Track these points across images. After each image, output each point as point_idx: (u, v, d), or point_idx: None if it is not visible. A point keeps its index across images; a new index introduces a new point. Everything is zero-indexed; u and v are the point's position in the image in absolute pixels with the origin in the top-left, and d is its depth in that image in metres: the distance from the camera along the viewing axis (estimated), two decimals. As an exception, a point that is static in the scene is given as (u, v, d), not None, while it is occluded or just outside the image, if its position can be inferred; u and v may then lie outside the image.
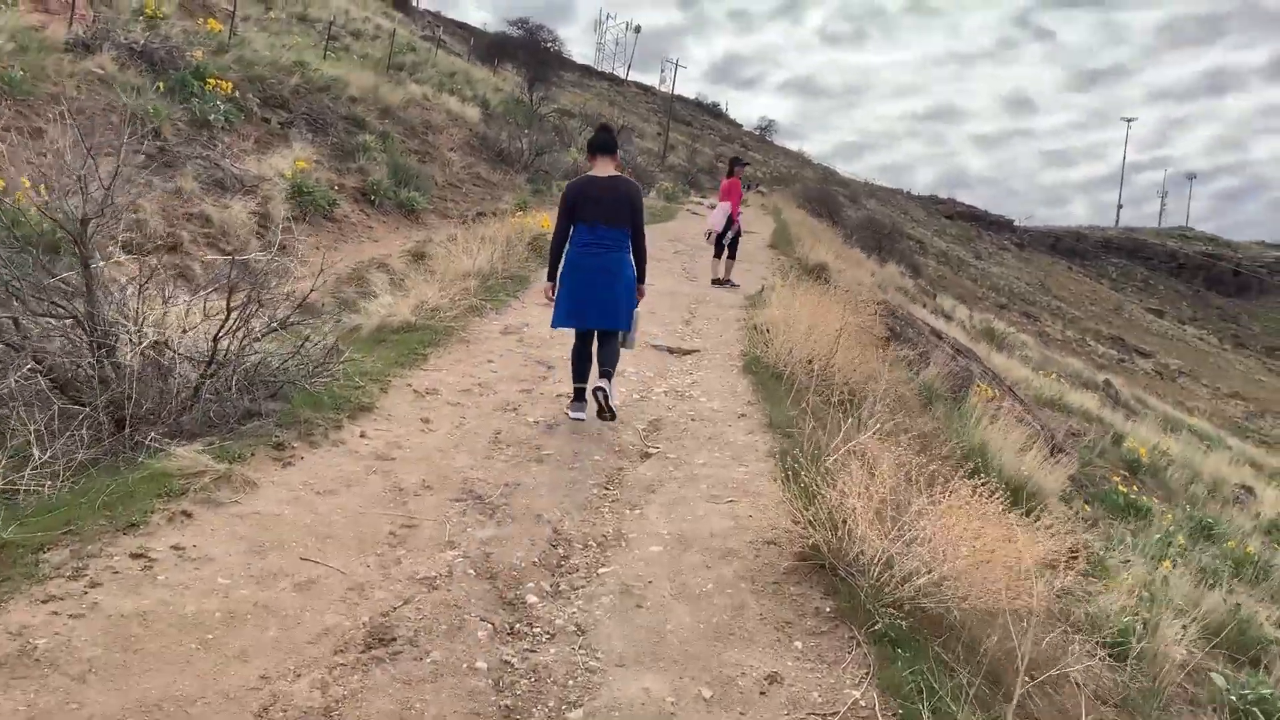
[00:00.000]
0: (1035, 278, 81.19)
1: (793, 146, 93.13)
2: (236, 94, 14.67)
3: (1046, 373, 24.75)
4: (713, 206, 15.63)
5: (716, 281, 12.79)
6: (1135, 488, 13.46)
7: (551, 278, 6.36)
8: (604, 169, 6.20)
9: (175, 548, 3.96)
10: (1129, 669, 5.49)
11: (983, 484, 4.58)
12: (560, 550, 4.58)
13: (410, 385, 6.57)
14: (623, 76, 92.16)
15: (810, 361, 7.94)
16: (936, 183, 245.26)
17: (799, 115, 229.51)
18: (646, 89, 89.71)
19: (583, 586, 4.24)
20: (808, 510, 4.46)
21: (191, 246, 10.20)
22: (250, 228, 11.07)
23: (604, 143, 6.27)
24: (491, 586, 4.14)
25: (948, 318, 27.88)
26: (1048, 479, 9.24)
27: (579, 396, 6.34)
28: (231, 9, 18.36)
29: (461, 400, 6.49)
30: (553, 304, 6.37)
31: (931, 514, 4.39)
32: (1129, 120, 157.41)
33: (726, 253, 13.05)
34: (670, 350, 8.55)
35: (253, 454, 4.90)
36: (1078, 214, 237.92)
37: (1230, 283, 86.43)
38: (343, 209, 13.84)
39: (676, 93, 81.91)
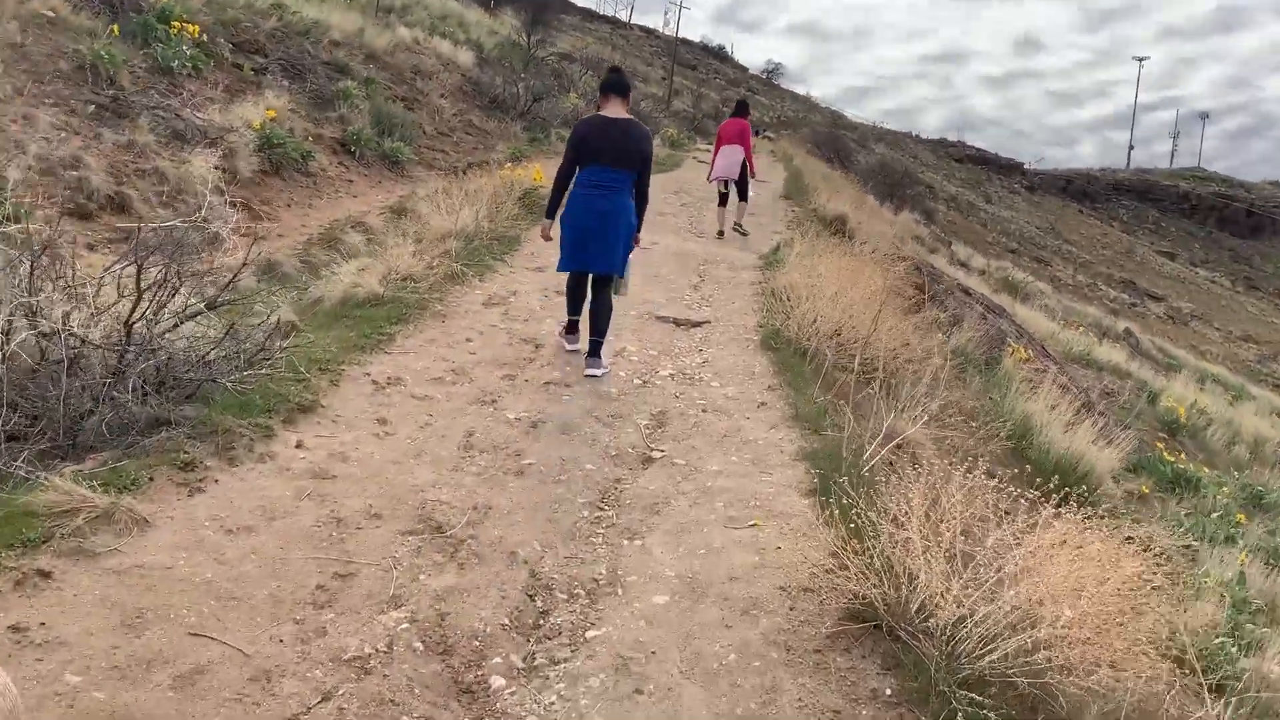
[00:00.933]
0: (1046, 222, 79.63)
1: (800, 90, 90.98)
2: (205, 38, 13.46)
3: (1070, 323, 23.65)
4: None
5: (722, 234, 11.90)
6: (1179, 455, 12.43)
7: (551, 215, 6.26)
8: (615, 110, 5.97)
9: (15, 629, 2.94)
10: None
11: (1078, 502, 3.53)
12: (538, 603, 3.56)
13: (369, 374, 5.51)
14: (625, 20, 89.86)
15: (837, 334, 6.87)
16: (945, 126, 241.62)
17: (806, 58, 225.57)
18: (650, 32, 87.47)
19: (565, 660, 3.23)
20: (856, 553, 3.42)
21: (142, 206, 9.10)
22: (212, 183, 9.95)
23: (616, 83, 6.09)
24: (444, 666, 3.13)
25: (965, 267, 26.70)
26: (1100, 458, 8.20)
27: (572, 329, 6.38)
28: (202, -54, 17.01)
29: (430, 392, 5.43)
30: (551, 242, 6.34)
31: (1016, 547, 3.37)
32: (1141, 59, 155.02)
33: (737, 195, 12.14)
34: (676, 322, 7.46)
35: (151, 478, 3.86)
36: (1087, 155, 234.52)
37: (1244, 224, 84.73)
38: (319, 161, 12.69)
39: (681, 36, 79.79)
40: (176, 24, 13.10)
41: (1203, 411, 15.43)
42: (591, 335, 6.04)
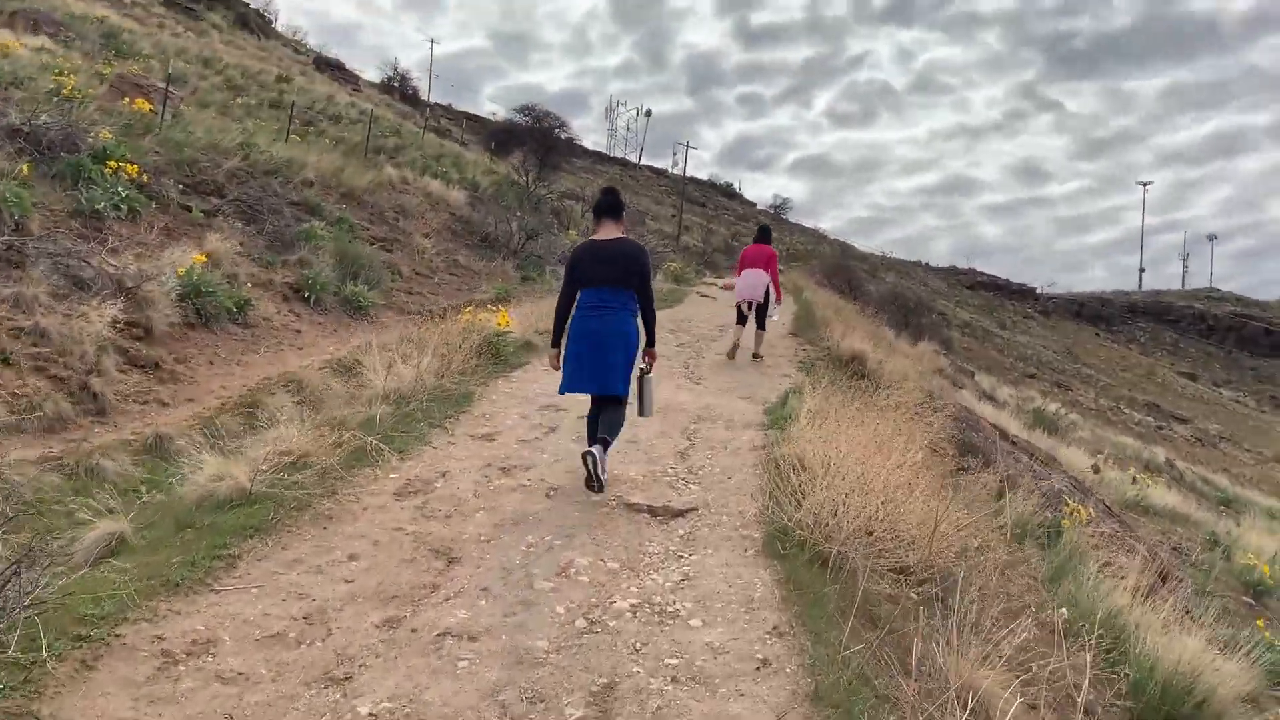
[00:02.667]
0: (1062, 345, 78.00)
1: (808, 224, 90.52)
2: (147, 179, 12.00)
3: (1108, 456, 21.55)
4: (728, 288, 13.52)
5: (733, 355, 11.38)
6: (1261, 621, 10.25)
7: (555, 344, 6.15)
8: (608, 232, 5.94)
9: None
10: None
11: None
12: None
13: (160, 638, 3.58)
14: (635, 160, 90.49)
15: (869, 532, 4.90)
16: (953, 253, 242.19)
17: (812, 193, 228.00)
18: (659, 172, 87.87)
19: None
20: None
21: (6, 373, 7.34)
22: (106, 343, 8.21)
23: (608, 205, 6.01)
24: None
25: (992, 400, 24.76)
26: (1222, 673, 6.09)
27: (586, 462, 5.70)
28: (165, 87, 15.83)
29: (250, 666, 3.49)
30: (557, 370, 6.16)
31: None
32: (1145, 184, 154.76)
33: (756, 323, 11.67)
34: (652, 511, 5.51)
35: None
36: (1097, 278, 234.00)
37: (1263, 343, 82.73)
38: (263, 309, 11.00)
39: (690, 175, 79.98)
40: (113, 164, 11.66)
41: (1283, 564, 13.19)
42: (601, 433, 5.81)
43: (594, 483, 5.60)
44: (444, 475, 5.91)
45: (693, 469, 6.41)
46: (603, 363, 5.78)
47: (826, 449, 5.88)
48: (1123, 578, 7.18)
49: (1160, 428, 59.98)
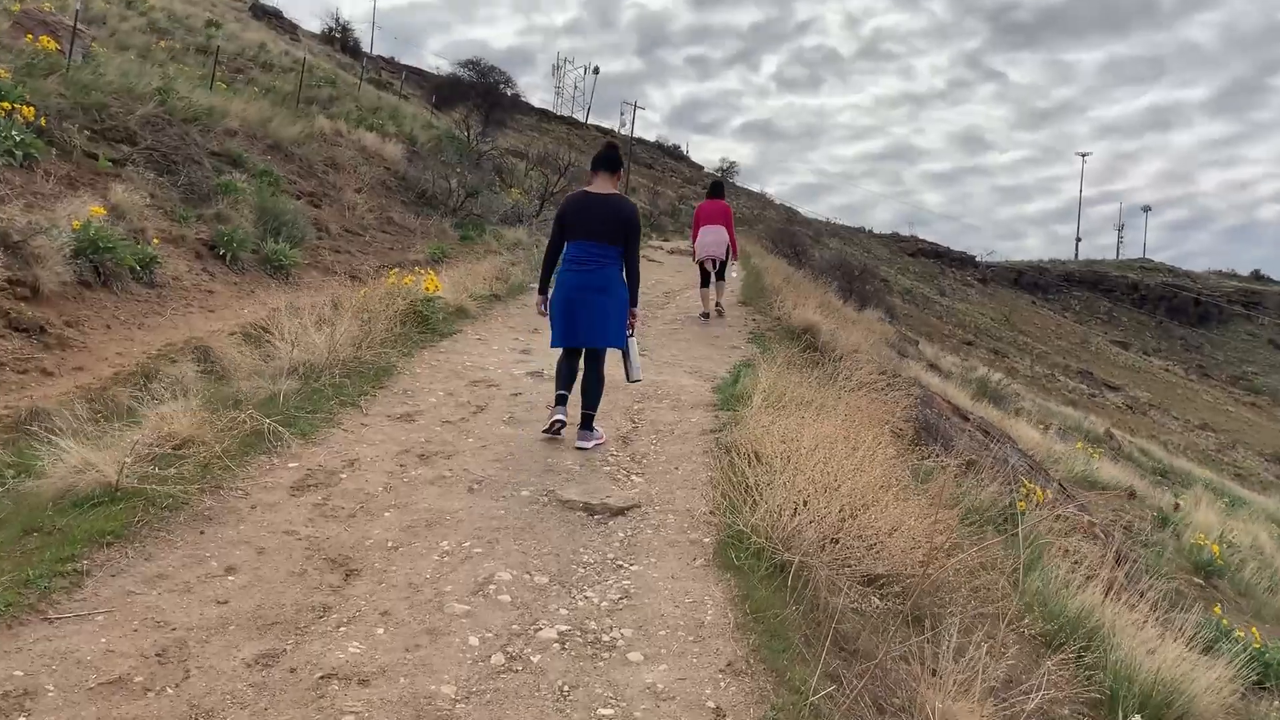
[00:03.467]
0: (1000, 313, 78.67)
1: (754, 188, 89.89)
2: (44, 123, 10.93)
3: (1050, 425, 21.35)
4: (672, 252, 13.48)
5: (708, 316, 11.65)
6: (1218, 608, 9.94)
7: (542, 291, 6.11)
8: (603, 185, 5.90)
9: None
10: None
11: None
12: None
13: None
14: (582, 120, 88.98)
15: (835, 540, 4.26)
16: (896, 220, 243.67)
17: (759, 158, 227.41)
18: (607, 132, 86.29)
19: None
20: None
21: None
22: (-18, 302, 7.29)
23: (607, 159, 5.99)
24: None
25: (937, 369, 24.42)
26: (1202, 682, 5.59)
27: (561, 401, 5.87)
28: (73, 24, 14.60)
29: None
30: (545, 319, 6.11)
31: None
32: (1084, 155, 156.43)
33: (715, 275, 11.82)
34: (589, 509, 4.82)
35: None
36: (1034, 247, 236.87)
37: (1192, 312, 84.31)
38: (172, 268, 10.06)
39: (637, 136, 78.77)
40: (6, 105, 10.58)
41: (1230, 543, 12.93)
42: (584, 409, 5.80)
43: (553, 431, 5.76)
44: (352, 464, 5.16)
45: (636, 456, 5.72)
46: (597, 317, 5.75)
47: (783, 431, 5.23)
48: (1090, 576, 6.68)
49: (1093, 395, 60.74)
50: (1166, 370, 76.70)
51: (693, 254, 12.39)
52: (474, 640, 3.44)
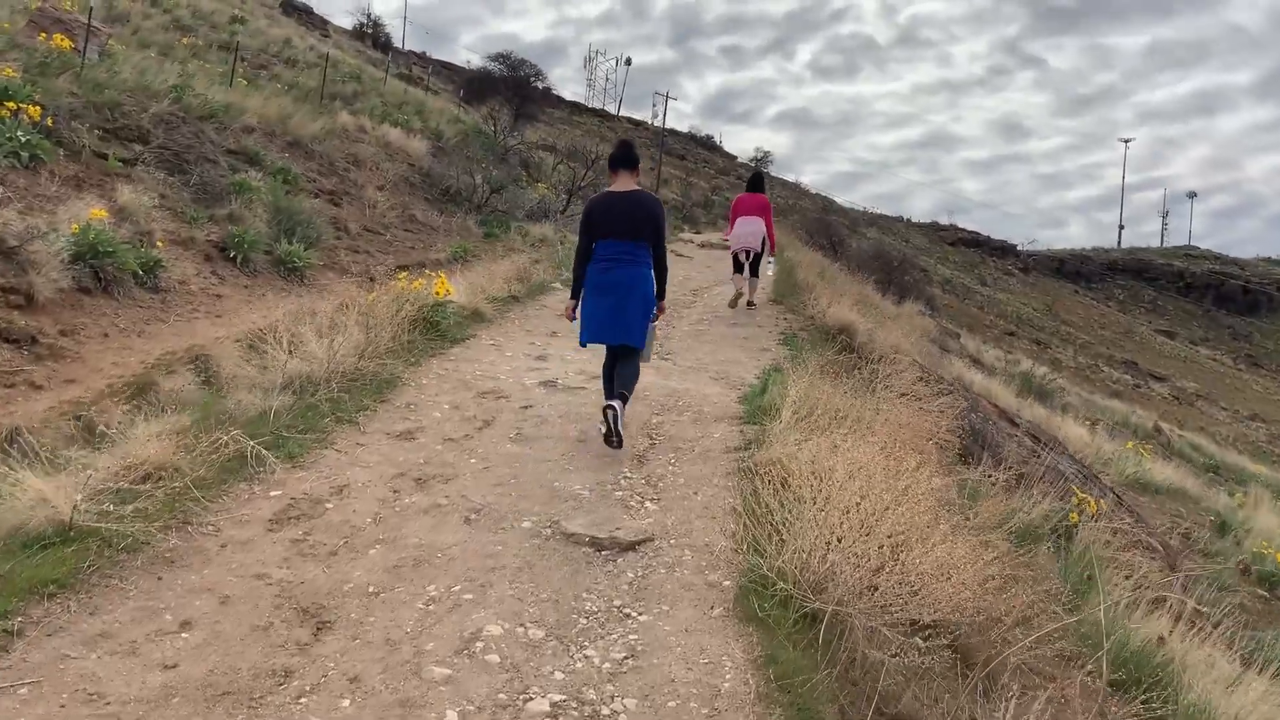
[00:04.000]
0: (1042, 303, 77.32)
1: (789, 178, 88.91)
2: (50, 122, 10.62)
3: (1097, 422, 20.61)
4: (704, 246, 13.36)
5: (735, 304, 11.54)
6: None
7: (575, 295, 6.02)
8: (624, 184, 5.92)
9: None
10: None
11: None
12: None
13: None
14: (614, 112, 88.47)
15: (874, 588, 3.75)
16: (934, 209, 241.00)
17: (794, 147, 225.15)
18: (638, 124, 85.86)
19: None
20: None
21: None
22: (-31, 313, 6.94)
23: (624, 157, 6.01)
24: None
25: (978, 363, 23.72)
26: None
27: (606, 415, 5.50)
28: (87, 21, 14.31)
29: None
30: (574, 321, 6.09)
31: None
32: (1126, 141, 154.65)
33: (750, 271, 11.65)
34: (595, 542, 4.34)
35: None
36: (1076, 235, 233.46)
37: (1240, 301, 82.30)
38: (179, 271, 9.70)
39: (670, 127, 78.17)
40: (12, 105, 10.28)
41: (1295, 550, 12.22)
42: (618, 389, 5.68)
43: (612, 438, 5.46)
44: (341, 491, 4.72)
45: (651, 479, 5.23)
46: (623, 315, 5.74)
47: (815, 461, 4.72)
48: (1155, 600, 6.12)
49: (1138, 386, 59.53)
50: (1214, 360, 75.00)
51: (728, 245, 12.16)
52: (452, 715, 2.98)
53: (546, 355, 8.20)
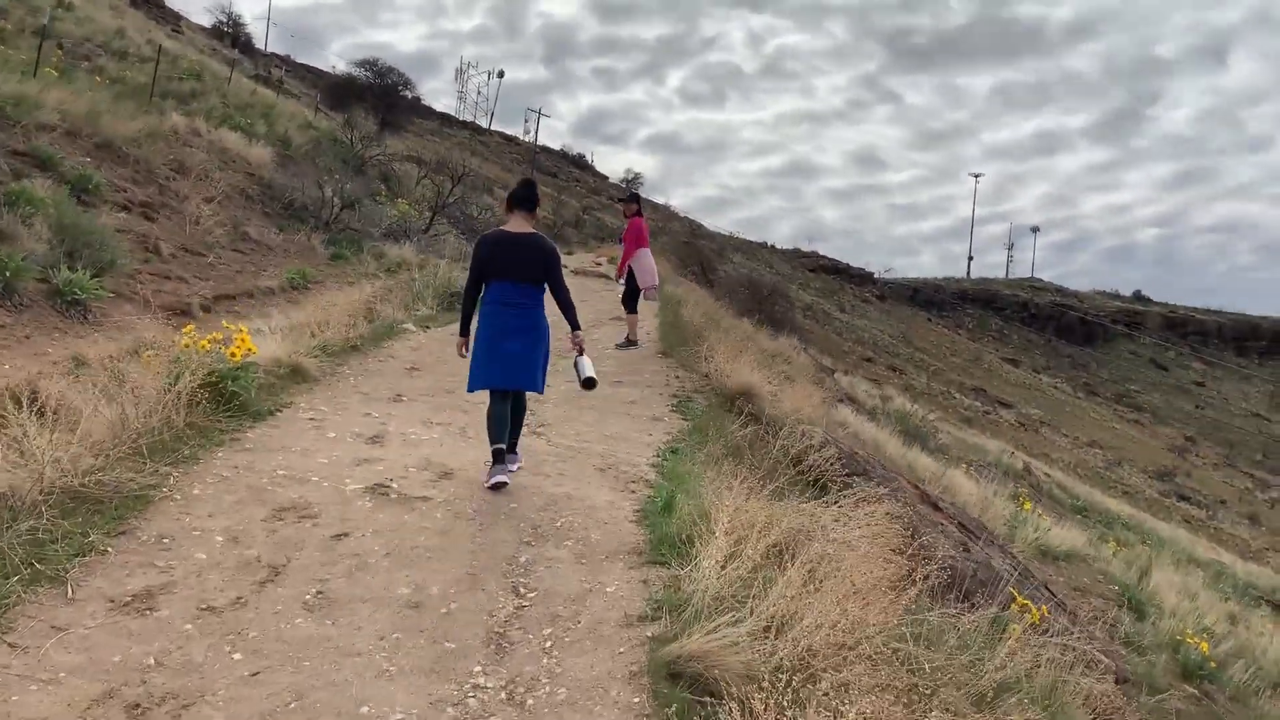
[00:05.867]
0: (898, 329, 78.47)
1: (659, 200, 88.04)
2: None
3: (969, 462, 19.73)
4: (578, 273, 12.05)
5: (628, 343, 10.60)
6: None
7: (464, 332, 5.69)
8: (519, 225, 5.65)
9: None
10: None
11: None
12: None
13: None
14: (485, 125, 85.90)
15: None
16: (795, 235, 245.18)
17: (664, 170, 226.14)
18: (510, 139, 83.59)
19: None
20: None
21: None
22: None
23: (523, 197, 5.76)
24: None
25: (852, 399, 22.60)
26: None
27: (498, 459, 5.39)
28: None
29: None
30: (466, 360, 5.70)
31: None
32: (977, 176, 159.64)
33: (626, 308, 10.85)
34: None
35: None
36: (928, 264, 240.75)
37: (1079, 331, 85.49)
38: (-99, 308, 7.31)
39: (542, 144, 76.20)
40: None
41: (1210, 631, 11.19)
42: (511, 436, 5.53)
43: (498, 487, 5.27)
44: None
45: (514, 693, 3.32)
46: (525, 360, 5.53)
47: (775, 658, 2.94)
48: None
49: (987, 412, 60.59)
50: (1055, 388, 77.36)
51: (619, 277, 11.05)
52: None
53: (384, 436, 6.20)
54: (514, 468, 5.54)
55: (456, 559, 4.28)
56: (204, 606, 3.66)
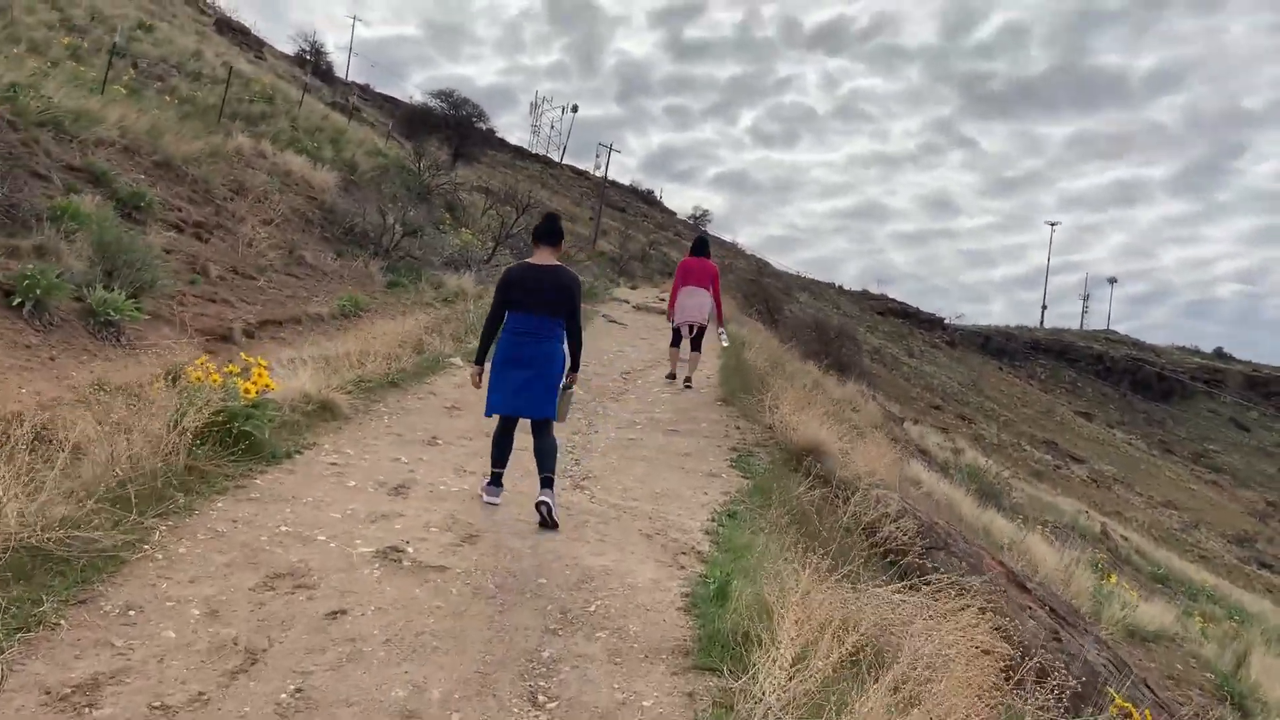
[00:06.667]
0: (968, 378, 76.54)
1: (726, 237, 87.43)
2: None
3: (1044, 523, 18.55)
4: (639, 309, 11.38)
5: (672, 376, 10.53)
6: None
7: (479, 361, 5.74)
8: (544, 258, 5.68)
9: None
10: None
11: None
12: None
13: None
14: (557, 159, 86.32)
15: None
16: (863, 276, 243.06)
17: (731, 208, 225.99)
18: (581, 173, 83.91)
19: None
20: None
21: None
22: None
23: (547, 230, 5.79)
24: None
25: (923, 452, 21.56)
26: None
27: (495, 481, 5.61)
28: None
29: None
30: (481, 388, 5.73)
31: None
32: (1053, 224, 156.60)
33: (690, 345, 10.54)
34: None
35: None
36: (998, 312, 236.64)
37: (1156, 387, 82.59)
38: (-79, 324, 6.91)
39: (612, 178, 76.11)
40: None
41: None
42: (542, 473, 5.37)
43: (549, 525, 5.23)
44: None
45: None
46: (538, 390, 5.47)
47: None
48: None
49: (1058, 466, 58.59)
50: (1130, 444, 74.72)
51: (669, 315, 10.86)
52: None
53: (409, 486, 5.57)
54: (553, 501, 5.34)
55: (468, 651, 3.60)
56: (156, 704, 3.02)
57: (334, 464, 5.71)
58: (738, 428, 8.53)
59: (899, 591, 4.87)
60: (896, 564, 6.78)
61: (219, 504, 4.65)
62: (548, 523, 5.22)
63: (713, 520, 5.82)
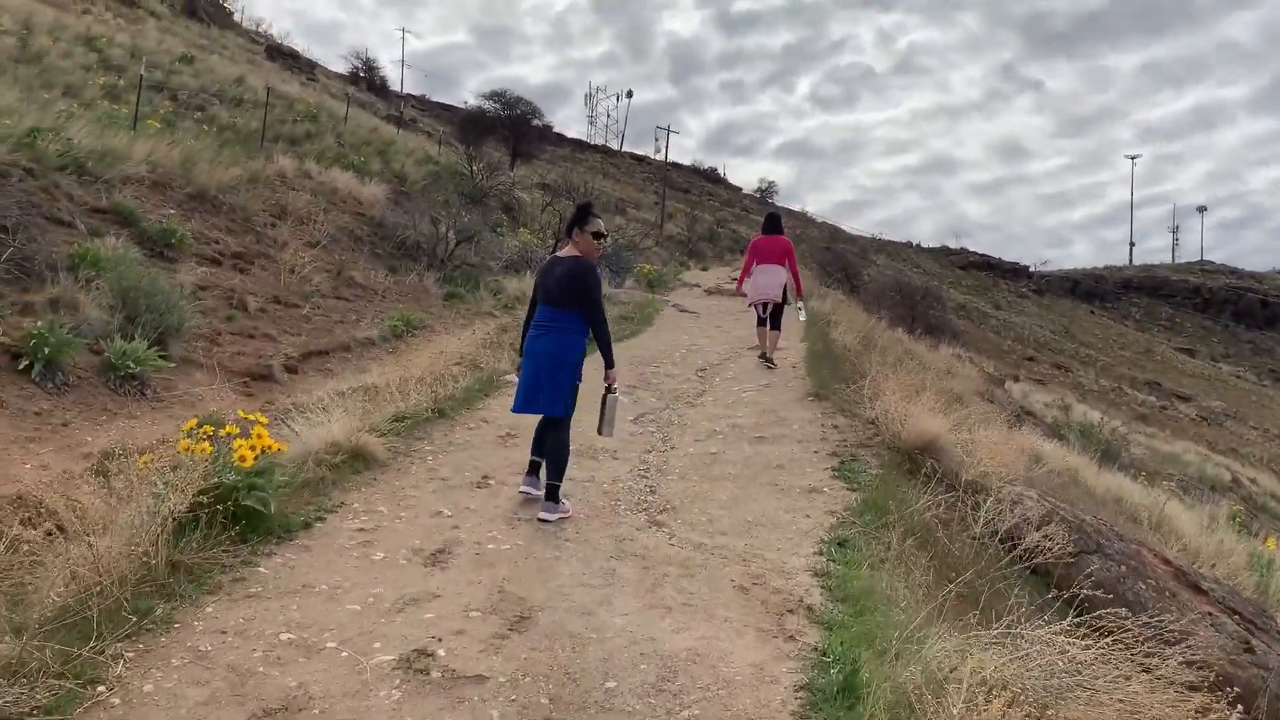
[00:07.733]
0: (1059, 325, 73.50)
1: (795, 207, 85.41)
2: None
3: (1167, 477, 16.96)
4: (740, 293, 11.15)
5: (764, 357, 10.13)
6: None
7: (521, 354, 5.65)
8: (566, 249, 5.58)
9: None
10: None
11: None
12: None
13: None
14: (616, 147, 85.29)
15: None
16: (939, 232, 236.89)
17: (797, 177, 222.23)
18: (641, 159, 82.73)
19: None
20: None
21: None
22: None
23: (572, 220, 5.63)
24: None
25: (1031, 415, 20.04)
26: None
27: (532, 470, 5.59)
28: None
29: None
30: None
31: None
32: (1133, 158, 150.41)
33: (769, 324, 10.21)
34: None
35: None
36: (1081, 254, 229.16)
37: (1259, 315, 78.31)
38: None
39: (672, 160, 74.84)
40: None
41: None
42: (547, 479, 5.29)
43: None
44: None
45: None
46: (544, 384, 5.30)
47: None
48: None
49: (1164, 407, 55.79)
50: (1238, 377, 71.04)
51: (743, 294, 10.75)
52: None
53: (451, 549, 4.60)
54: (552, 518, 5.13)
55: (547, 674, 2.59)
56: None
57: (361, 529, 4.77)
58: (835, 426, 7.39)
59: (1073, 638, 3.73)
60: (1046, 578, 5.63)
61: (208, 608, 3.74)
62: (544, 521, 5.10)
63: (820, 553, 4.75)
